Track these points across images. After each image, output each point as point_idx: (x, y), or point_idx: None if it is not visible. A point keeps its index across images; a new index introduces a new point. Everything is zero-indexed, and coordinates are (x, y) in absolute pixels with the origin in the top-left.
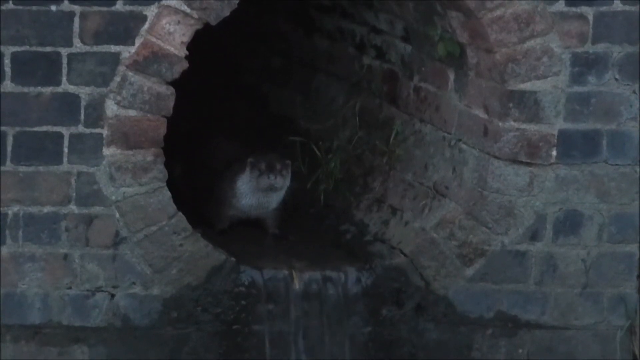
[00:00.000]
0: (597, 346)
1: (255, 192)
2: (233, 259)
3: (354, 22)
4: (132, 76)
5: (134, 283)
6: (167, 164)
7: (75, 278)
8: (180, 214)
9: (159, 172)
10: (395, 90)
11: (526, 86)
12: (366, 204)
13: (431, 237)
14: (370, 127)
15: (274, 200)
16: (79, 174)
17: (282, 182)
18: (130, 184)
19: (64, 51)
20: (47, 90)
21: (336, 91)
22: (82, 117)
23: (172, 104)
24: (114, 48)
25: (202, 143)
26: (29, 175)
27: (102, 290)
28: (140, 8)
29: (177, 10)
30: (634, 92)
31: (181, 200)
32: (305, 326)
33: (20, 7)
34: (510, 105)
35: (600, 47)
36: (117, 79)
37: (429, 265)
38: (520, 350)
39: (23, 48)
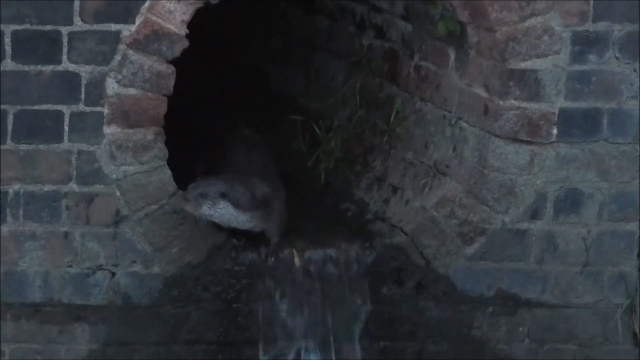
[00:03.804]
0: (598, 324)
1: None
2: (234, 240)
3: (354, 0)
4: (133, 55)
5: (134, 261)
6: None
7: (75, 256)
8: (181, 192)
9: (160, 150)
10: (395, 69)
11: (527, 65)
12: (366, 183)
13: (432, 216)
14: (370, 106)
15: (234, 222)
16: (80, 152)
17: (211, 212)
18: (131, 162)
19: (64, 30)
20: (48, 68)
21: (336, 70)
22: (83, 95)
23: (172, 82)
24: (114, 27)
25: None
26: (29, 154)
27: (103, 269)
28: None
29: None
30: (635, 70)
31: None
32: (305, 305)
33: None
34: (511, 83)
35: (601, 26)
36: (118, 57)
37: (429, 244)
38: (521, 329)
39: (23, 26)
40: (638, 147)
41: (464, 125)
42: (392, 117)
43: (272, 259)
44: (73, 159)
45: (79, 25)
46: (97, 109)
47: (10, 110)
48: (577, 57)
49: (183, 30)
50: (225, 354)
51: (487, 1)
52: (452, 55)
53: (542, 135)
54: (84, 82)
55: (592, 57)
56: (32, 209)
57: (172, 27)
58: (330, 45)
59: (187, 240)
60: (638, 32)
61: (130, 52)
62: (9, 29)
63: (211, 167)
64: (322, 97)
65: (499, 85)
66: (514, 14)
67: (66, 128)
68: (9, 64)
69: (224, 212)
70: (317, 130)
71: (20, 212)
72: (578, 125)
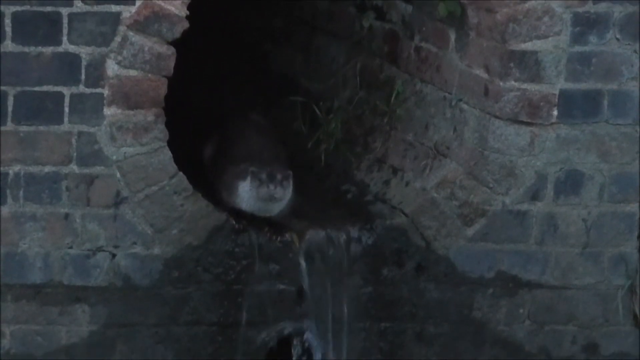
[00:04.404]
0: (598, 306)
1: (255, 200)
2: (233, 222)
3: None
4: (133, 36)
5: (134, 243)
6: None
7: (76, 238)
8: (181, 173)
9: (160, 132)
10: (396, 50)
11: (527, 46)
12: (367, 164)
13: (432, 197)
14: (371, 87)
15: (275, 208)
16: (80, 133)
17: (282, 193)
18: (131, 143)
19: (64, 11)
20: (48, 50)
21: (337, 51)
22: (83, 77)
23: (172, 64)
24: (114, 8)
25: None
26: (29, 135)
27: (103, 250)
28: None
29: None
30: (635, 51)
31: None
32: (305, 286)
33: None
34: (511, 65)
35: (601, 7)
36: (118, 39)
37: (429, 225)
38: (521, 310)
39: (24, 8)
40: (638, 128)
41: (465, 106)
42: (393, 99)
43: (278, 239)
44: (73, 141)
45: (79, 6)
46: (98, 90)
47: (11, 91)
48: (578, 38)
49: (183, 12)
50: (225, 335)
51: None
52: (452, 36)
53: (542, 117)
54: (84, 63)
55: (592, 39)
56: (33, 190)
57: (172, 9)
58: (330, 27)
59: (187, 222)
60: (638, 13)
61: (131, 33)
62: (9, 10)
63: (220, 152)
64: (322, 78)
65: (499, 66)
66: None
67: (66, 109)
68: (9, 45)
69: (287, 195)
70: (317, 111)
71: (21, 193)
72: (578, 106)
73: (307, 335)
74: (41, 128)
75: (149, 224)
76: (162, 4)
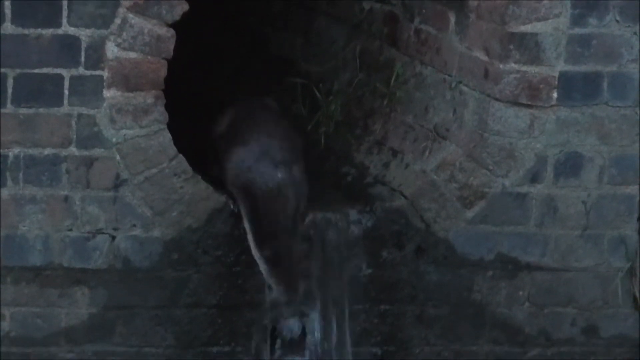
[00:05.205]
0: (597, 288)
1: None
2: (231, 205)
3: None
4: (133, 18)
5: (134, 225)
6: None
7: (76, 220)
8: (180, 156)
9: (160, 114)
10: (395, 33)
11: (527, 28)
12: (366, 147)
13: (432, 180)
14: (370, 70)
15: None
16: (80, 116)
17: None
18: (131, 126)
19: None
20: (48, 32)
21: (336, 33)
22: (83, 59)
23: (172, 46)
24: None
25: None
26: (29, 117)
27: (103, 232)
28: None
29: None
30: (635, 33)
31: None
32: (305, 268)
33: None
34: (511, 47)
35: None
36: (118, 21)
37: (429, 208)
38: (521, 292)
39: None
40: (638, 111)
41: (464, 88)
42: (392, 81)
43: None
44: (73, 123)
45: None
46: (97, 72)
47: (10, 73)
48: (578, 20)
49: None
50: (225, 317)
51: None
52: (452, 18)
53: (542, 99)
54: (84, 45)
55: (592, 21)
56: (32, 173)
57: None
58: (330, 9)
59: (187, 204)
60: None
61: (130, 15)
62: None
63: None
64: (322, 60)
65: (499, 48)
66: None
67: (66, 92)
68: (8, 27)
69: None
70: (317, 93)
71: (20, 175)
72: (578, 88)
73: (307, 318)
74: (41, 110)
75: (149, 206)
76: None
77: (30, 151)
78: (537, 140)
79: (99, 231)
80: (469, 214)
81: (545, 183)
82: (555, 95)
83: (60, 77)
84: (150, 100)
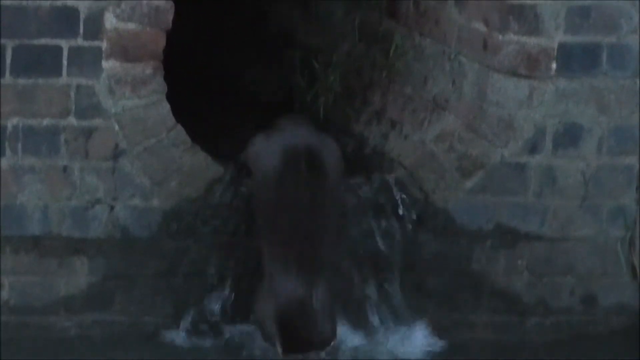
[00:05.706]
0: (596, 258)
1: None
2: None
3: None
4: None
5: (133, 195)
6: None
7: (74, 190)
8: (179, 126)
9: (158, 85)
10: (394, 4)
11: None
12: (366, 118)
13: (430, 150)
14: (369, 41)
15: None
16: (78, 86)
17: None
18: (130, 96)
19: None
20: (46, 3)
21: (335, 5)
22: (81, 30)
23: (171, 17)
24: None
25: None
26: (28, 88)
27: (102, 203)
28: None
29: None
30: (634, 4)
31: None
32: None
33: None
34: (510, 18)
35: None
36: None
37: (428, 178)
38: (519, 262)
39: None
40: (637, 81)
41: (463, 60)
42: (391, 52)
43: None
44: (72, 93)
45: None
46: (96, 43)
47: (9, 44)
48: None
49: None
50: (223, 287)
51: None
52: None
53: (541, 70)
54: (82, 16)
55: None
56: (31, 143)
57: None
58: None
59: (186, 174)
60: None
61: None
62: None
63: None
64: (321, 33)
65: (498, 20)
66: None
67: (65, 62)
68: None
69: None
70: (315, 65)
71: (19, 146)
72: (577, 59)
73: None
74: (39, 81)
75: (148, 176)
76: None
77: (29, 121)
78: (536, 111)
79: (98, 201)
80: (468, 184)
81: (544, 153)
82: (554, 66)
83: (59, 48)
84: (149, 71)
